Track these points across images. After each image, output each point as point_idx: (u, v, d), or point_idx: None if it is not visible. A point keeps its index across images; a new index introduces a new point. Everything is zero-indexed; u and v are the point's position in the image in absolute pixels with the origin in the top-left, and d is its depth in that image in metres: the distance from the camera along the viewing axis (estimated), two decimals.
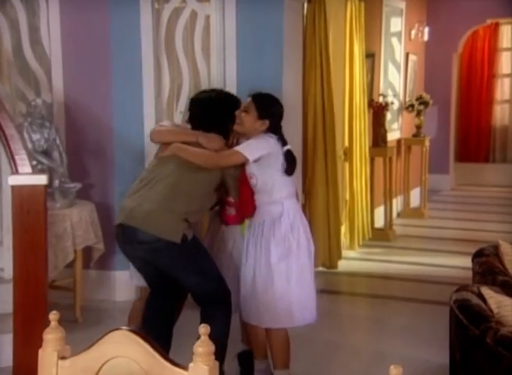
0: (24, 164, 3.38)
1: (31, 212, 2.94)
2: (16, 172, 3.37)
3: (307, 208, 6.00)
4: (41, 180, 2.96)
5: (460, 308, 2.96)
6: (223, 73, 5.36)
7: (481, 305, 2.94)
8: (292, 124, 5.59)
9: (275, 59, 5.34)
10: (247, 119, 3.59)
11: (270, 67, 5.34)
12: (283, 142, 3.62)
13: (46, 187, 3.03)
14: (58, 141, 4.81)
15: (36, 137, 4.72)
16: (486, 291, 3.02)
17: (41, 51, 5.52)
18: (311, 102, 5.94)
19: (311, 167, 6.01)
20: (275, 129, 3.64)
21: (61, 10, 5.25)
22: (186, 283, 3.69)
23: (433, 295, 5.51)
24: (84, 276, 5.01)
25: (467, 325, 2.86)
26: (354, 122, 6.82)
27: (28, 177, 3.04)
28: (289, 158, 3.62)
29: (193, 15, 5.42)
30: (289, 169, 3.61)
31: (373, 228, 7.58)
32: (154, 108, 5.24)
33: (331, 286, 5.95)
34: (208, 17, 5.40)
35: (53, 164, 4.74)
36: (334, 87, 6.63)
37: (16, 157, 3.44)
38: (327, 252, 6.12)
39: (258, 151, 3.50)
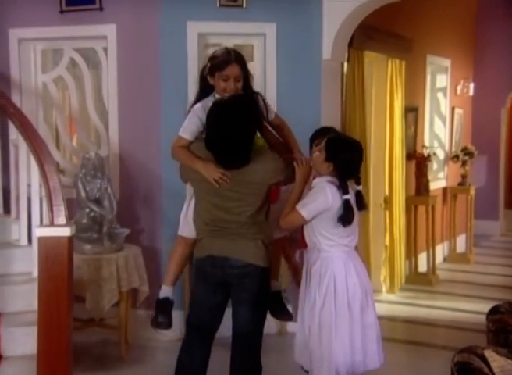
0: (60, 215, 3.36)
1: (55, 263, 2.90)
2: (51, 222, 3.36)
3: None
4: (66, 232, 2.91)
5: (459, 372, 2.67)
6: None
7: (482, 368, 2.65)
8: None
9: (313, 116, 5.26)
10: (317, 159, 3.36)
11: (308, 123, 5.23)
12: (344, 190, 3.28)
13: (71, 238, 2.97)
14: (109, 190, 4.81)
15: (89, 186, 4.73)
16: (490, 354, 2.73)
17: (102, 107, 5.60)
18: None
19: None
20: (341, 174, 3.33)
21: (118, 69, 5.30)
22: (242, 319, 3.34)
23: (468, 344, 5.14)
24: (132, 315, 4.96)
25: None
26: (394, 172, 6.65)
27: (53, 229, 3.00)
28: (347, 208, 3.25)
29: None
30: (343, 220, 3.26)
31: (416, 273, 7.36)
32: None
33: None
34: (252, 76, 5.36)
35: (103, 211, 4.73)
36: (375, 140, 6.57)
37: (54, 208, 3.43)
38: None
39: (317, 209, 3.26)
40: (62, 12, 5.39)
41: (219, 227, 3.26)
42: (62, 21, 5.41)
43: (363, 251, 6.26)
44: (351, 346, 3.29)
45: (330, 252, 3.33)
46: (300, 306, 3.47)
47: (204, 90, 3.44)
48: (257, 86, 5.25)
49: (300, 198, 3.31)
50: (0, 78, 5.58)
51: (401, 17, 6.62)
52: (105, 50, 5.38)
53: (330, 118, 5.42)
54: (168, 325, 3.58)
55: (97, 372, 4.60)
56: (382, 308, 6.24)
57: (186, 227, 3.51)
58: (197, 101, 3.44)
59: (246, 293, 3.30)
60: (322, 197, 3.26)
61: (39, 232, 2.94)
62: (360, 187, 3.39)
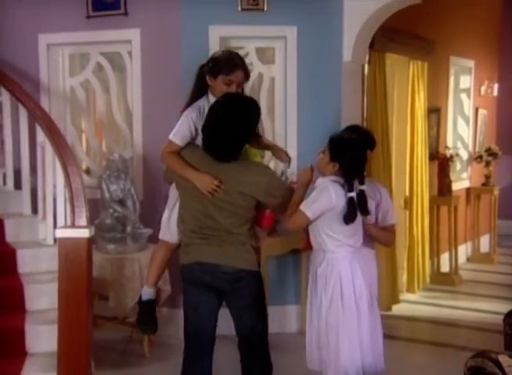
0: (81, 216, 3.38)
1: (75, 263, 2.91)
2: (72, 223, 3.37)
3: None
4: (85, 233, 2.92)
5: None
6: (285, 129, 5.29)
7: (496, 374, 2.58)
8: None
9: (334, 117, 5.22)
10: (321, 159, 3.31)
11: (328, 124, 5.21)
12: (349, 188, 3.21)
13: (90, 239, 2.97)
14: (132, 191, 4.84)
15: (113, 187, 4.76)
16: (504, 359, 2.64)
17: (127, 110, 5.63)
18: (372, 156, 5.78)
19: None
20: (346, 172, 3.26)
21: (142, 72, 5.32)
22: (246, 324, 3.26)
23: (490, 345, 5.02)
24: None
25: None
26: (415, 173, 6.57)
27: (73, 231, 3.01)
28: (351, 205, 3.19)
29: (260, 77, 5.38)
30: (347, 218, 3.20)
31: (439, 273, 7.27)
32: None
33: (387, 330, 5.63)
34: (272, 79, 5.36)
35: (126, 212, 4.76)
36: (397, 141, 6.50)
37: (76, 209, 3.45)
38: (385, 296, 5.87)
39: (321, 208, 3.19)
40: (88, 17, 5.43)
41: (207, 235, 3.16)
42: (88, 26, 5.45)
43: (386, 251, 6.20)
44: (361, 347, 3.25)
45: (336, 253, 3.27)
46: (308, 308, 3.43)
47: (201, 90, 3.31)
48: (278, 89, 5.28)
49: (302, 199, 3.27)
50: (30, 82, 5.64)
51: (423, 19, 6.54)
52: (130, 54, 5.40)
53: (351, 120, 5.35)
54: (155, 329, 3.57)
55: (120, 368, 4.63)
56: (403, 309, 6.20)
57: (168, 232, 3.42)
58: (191, 101, 3.32)
59: (244, 299, 3.21)
60: (326, 196, 3.21)
61: (59, 233, 2.96)
62: (364, 187, 3.27)
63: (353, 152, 3.27)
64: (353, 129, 3.60)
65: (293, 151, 5.14)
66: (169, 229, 3.39)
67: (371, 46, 5.57)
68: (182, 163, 3.16)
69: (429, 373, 4.76)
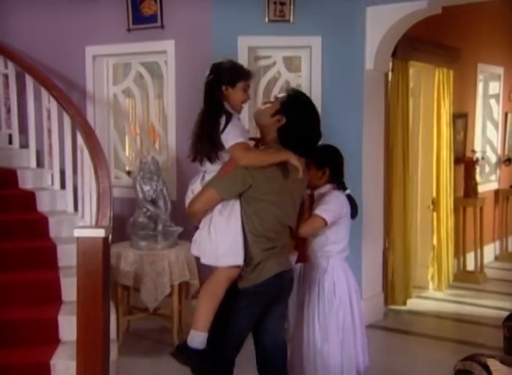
0: (105, 216, 3.36)
1: (92, 261, 2.88)
2: (96, 222, 3.36)
3: (390, 250, 5.75)
4: (100, 233, 2.89)
5: None
6: None
7: None
8: (373, 180, 5.33)
9: (356, 123, 5.13)
10: (309, 174, 3.05)
11: (351, 130, 5.12)
12: (344, 187, 3.25)
13: (106, 239, 2.94)
14: (164, 192, 4.82)
15: (146, 188, 4.75)
16: (492, 363, 2.47)
17: (164, 114, 5.63)
18: (394, 160, 5.69)
19: (393, 218, 5.75)
20: (337, 174, 3.22)
21: (176, 80, 5.30)
22: (282, 330, 2.97)
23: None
24: (185, 305, 4.94)
25: None
26: (441, 175, 6.38)
27: (89, 230, 2.99)
28: (352, 201, 3.23)
29: (287, 84, 5.29)
30: (354, 213, 3.23)
31: (464, 271, 7.05)
32: None
33: (408, 326, 5.49)
34: (298, 86, 5.25)
35: (158, 211, 4.74)
36: (423, 145, 6.37)
37: (101, 209, 3.44)
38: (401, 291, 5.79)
39: (337, 212, 3.11)
40: (129, 30, 5.44)
41: (276, 241, 2.78)
42: (129, 38, 5.47)
43: (410, 250, 6.06)
44: (360, 347, 3.15)
45: (337, 258, 3.21)
46: (306, 319, 3.19)
47: (217, 103, 2.77)
48: None
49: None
50: (77, 90, 5.71)
51: (447, 28, 6.32)
52: (166, 63, 5.39)
53: (372, 126, 5.26)
54: None
55: (152, 355, 4.62)
56: (429, 306, 6.02)
57: (235, 254, 2.67)
58: (213, 116, 2.72)
59: (283, 303, 2.95)
60: (339, 203, 3.15)
61: (77, 233, 2.94)
62: (349, 191, 3.24)
63: (337, 154, 3.25)
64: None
65: None
66: (237, 249, 2.67)
67: (395, 55, 5.43)
68: (265, 152, 2.74)
69: (442, 368, 4.56)
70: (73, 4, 5.67)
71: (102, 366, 2.93)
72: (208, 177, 2.68)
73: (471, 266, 7.12)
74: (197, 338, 2.65)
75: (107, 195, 3.56)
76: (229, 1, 5.01)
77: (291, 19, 5.02)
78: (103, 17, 5.57)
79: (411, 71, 6.05)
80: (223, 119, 2.67)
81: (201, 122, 2.72)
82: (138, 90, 5.71)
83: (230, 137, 2.64)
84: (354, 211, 3.21)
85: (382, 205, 5.51)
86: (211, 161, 2.66)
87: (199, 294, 2.72)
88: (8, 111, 5.62)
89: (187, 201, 2.80)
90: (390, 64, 5.48)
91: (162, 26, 5.30)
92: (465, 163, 7.01)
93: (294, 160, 2.65)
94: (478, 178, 7.20)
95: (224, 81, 2.79)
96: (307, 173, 2.91)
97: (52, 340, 3.82)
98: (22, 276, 4.24)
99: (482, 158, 7.39)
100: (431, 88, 6.28)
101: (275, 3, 4.99)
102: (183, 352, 2.70)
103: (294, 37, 5.04)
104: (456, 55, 6.50)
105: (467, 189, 7.00)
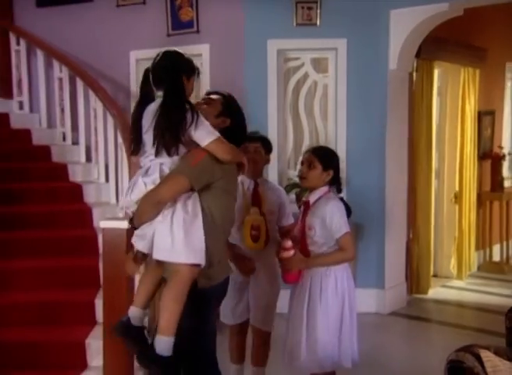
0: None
1: (115, 250, 2.90)
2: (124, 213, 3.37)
3: (414, 241, 5.65)
4: (123, 224, 2.89)
5: (449, 370, 2.33)
6: (335, 131, 5.11)
7: (473, 368, 2.28)
8: (396, 174, 5.22)
9: (380, 121, 5.04)
10: (313, 173, 2.94)
11: (375, 126, 5.01)
12: (340, 190, 3.06)
13: (129, 230, 2.92)
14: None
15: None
16: (485, 354, 2.35)
17: None
18: (418, 155, 5.57)
19: (417, 211, 5.64)
20: (337, 178, 3.01)
21: (210, 81, 5.29)
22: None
23: None
24: None
25: None
26: (465, 170, 6.20)
27: (113, 222, 2.99)
28: (345, 204, 3.01)
29: (315, 84, 5.22)
30: (349, 213, 2.99)
31: (490, 261, 6.85)
32: (277, 165, 5.05)
33: (430, 314, 5.37)
34: (326, 86, 5.18)
35: None
36: (448, 142, 6.19)
37: None
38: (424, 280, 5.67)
39: (346, 220, 2.93)
40: (168, 35, 5.48)
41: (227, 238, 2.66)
42: (169, 43, 5.43)
43: (434, 241, 5.94)
44: (355, 339, 3.01)
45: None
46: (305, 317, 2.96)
47: (180, 96, 2.38)
48: (330, 95, 5.10)
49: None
50: (122, 91, 5.78)
51: (473, 28, 6.11)
52: (201, 65, 5.39)
53: (396, 123, 5.14)
54: None
55: None
56: (452, 295, 5.87)
57: (194, 251, 2.30)
58: (182, 112, 2.33)
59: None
60: (342, 208, 2.94)
61: (102, 224, 2.97)
62: (342, 195, 3.09)
63: (337, 158, 3.09)
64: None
65: (342, 151, 4.99)
66: (200, 247, 2.33)
67: (419, 55, 5.28)
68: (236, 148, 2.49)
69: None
70: (119, 12, 5.74)
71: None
72: (166, 169, 2.33)
73: (497, 257, 6.91)
74: (166, 344, 2.28)
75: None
76: (259, 7, 4.97)
77: (318, 23, 4.95)
78: (145, 24, 5.61)
79: (438, 71, 5.90)
80: (189, 114, 2.31)
81: (166, 114, 2.30)
82: None
83: (205, 132, 2.34)
84: (349, 212, 3.01)
85: (406, 198, 5.39)
86: (170, 154, 2.32)
87: (164, 298, 2.30)
88: (62, 111, 5.73)
89: (137, 193, 2.33)
90: (414, 64, 5.33)
91: (198, 31, 5.31)
92: (492, 159, 6.82)
93: (245, 159, 2.53)
94: (504, 173, 6.97)
95: (183, 71, 2.43)
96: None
97: (89, 321, 3.87)
98: (66, 262, 4.32)
99: (509, 153, 7.14)
100: (456, 87, 6.10)
101: (302, 8, 4.93)
102: (147, 358, 2.35)
103: (321, 39, 4.98)
104: (482, 55, 6.28)
105: (494, 184, 6.82)
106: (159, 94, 2.37)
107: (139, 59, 5.70)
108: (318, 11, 4.92)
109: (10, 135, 5.68)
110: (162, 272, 2.43)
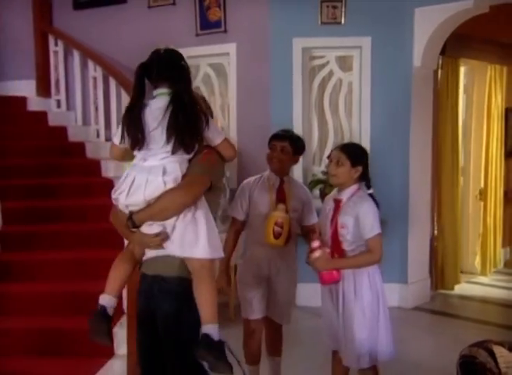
0: None
1: None
2: None
3: (439, 237, 5.57)
4: None
5: (462, 365, 2.27)
6: (359, 127, 5.05)
7: (486, 363, 2.22)
8: (420, 171, 5.15)
9: (404, 117, 4.95)
10: (341, 170, 2.77)
11: (399, 123, 4.95)
12: (368, 186, 2.86)
13: None
14: (224, 180, 4.81)
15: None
16: (498, 350, 2.27)
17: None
18: (443, 152, 5.47)
19: (442, 207, 5.54)
20: (366, 174, 2.84)
21: (237, 78, 5.29)
22: None
23: None
24: None
25: None
26: (490, 167, 6.08)
27: None
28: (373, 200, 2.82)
29: (340, 82, 5.17)
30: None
31: None
32: (302, 161, 4.99)
33: (453, 309, 5.26)
34: (350, 83, 5.13)
35: None
36: (474, 140, 6.06)
37: None
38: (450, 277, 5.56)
39: (378, 220, 2.77)
40: (197, 35, 5.49)
41: None
42: (198, 42, 5.51)
43: (459, 237, 5.83)
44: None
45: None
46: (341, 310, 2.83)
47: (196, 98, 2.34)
48: (355, 92, 5.03)
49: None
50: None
51: (500, 25, 5.93)
52: (229, 64, 5.40)
53: (420, 119, 5.05)
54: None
55: None
56: (477, 291, 5.76)
57: (219, 246, 2.30)
58: (201, 113, 2.28)
59: None
60: (374, 207, 2.78)
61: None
62: (372, 191, 2.85)
63: (366, 154, 2.91)
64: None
65: (366, 146, 4.92)
66: (218, 241, 2.32)
67: (444, 52, 5.18)
68: None
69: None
70: (150, 13, 5.78)
71: None
72: (184, 168, 2.23)
73: None
74: (216, 329, 2.21)
75: None
76: (284, 7, 4.94)
77: (342, 22, 4.90)
78: (175, 24, 5.63)
79: (464, 68, 5.78)
80: (202, 113, 2.25)
81: (183, 112, 2.20)
82: (206, 88, 5.75)
83: (216, 132, 2.32)
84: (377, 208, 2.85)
85: (430, 195, 5.31)
86: (190, 152, 2.24)
87: (201, 291, 2.20)
88: (96, 109, 5.81)
89: (153, 192, 2.17)
90: (440, 62, 5.24)
91: (225, 31, 5.31)
92: None
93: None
94: None
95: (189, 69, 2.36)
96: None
97: (116, 310, 3.90)
98: (96, 254, 4.36)
99: None
100: (483, 84, 5.97)
101: (327, 7, 4.88)
102: (213, 349, 2.20)
103: (345, 37, 4.93)
104: (510, 52, 6.13)
105: None
106: (161, 91, 2.25)
107: None
108: (343, 9, 4.87)
109: (48, 132, 5.79)
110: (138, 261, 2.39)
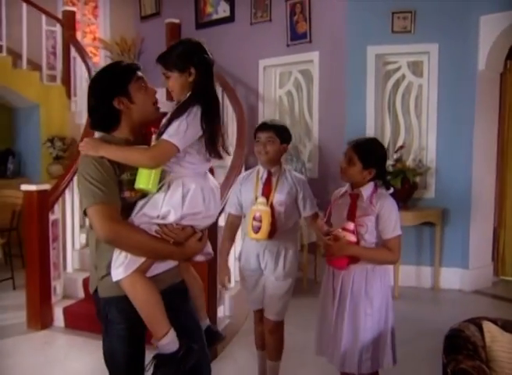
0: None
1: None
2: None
3: (501, 227, 5.28)
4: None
5: (447, 337, 2.10)
6: (427, 127, 4.93)
7: (471, 337, 2.05)
8: (484, 165, 4.93)
9: (468, 117, 4.75)
10: (352, 170, 2.34)
11: (464, 124, 4.77)
12: (388, 186, 2.40)
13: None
14: (303, 171, 4.95)
15: (287, 167, 4.90)
16: (487, 325, 2.12)
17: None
18: (509, 147, 5.15)
19: (506, 199, 5.23)
20: (382, 174, 2.39)
21: (319, 83, 5.37)
22: None
23: None
24: (315, 261, 5.06)
25: (443, 353, 2.02)
26: None
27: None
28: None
29: (410, 85, 5.08)
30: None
31: None
32: None
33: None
34: (420, 86, 5.02)
35: None
36: None
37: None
38: None
39: (399, 222, 2.35)
40: (288, 45, 5.67)
41: None
42: (288, 52, 5.69)
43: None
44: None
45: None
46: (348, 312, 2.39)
47: None
48: (423, 95, 4.93)
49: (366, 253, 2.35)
50: (252, 92, 6.08)
51: None
52: (313, 70, 5.49)
53: (484, 120, 4.83)
54: None
55: None
56: None
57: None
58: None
59: None
60: (395, 209, 2.36)
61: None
62: (392, 191, 2.40)
63: (382, 150, 2.40)
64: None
65: (433, 145, 4.85)
66: None
67: (510, 57, 4.89)
68: None
69: None
70: (252, 29, 6.04)
71: None
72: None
73: None
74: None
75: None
76: (360, 18, 4.96)
77: (412, 31, 4.81)
78: (270, 37, 5.85)
79: None
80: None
81: (213, 119, 1.84)
82: (295, 92, 5.89)
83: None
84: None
85: (494, 187, 5.05)
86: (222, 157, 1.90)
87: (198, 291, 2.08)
88: None
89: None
90: (508, 65, 4.95)
91: (310, 41, 5.43)
92: None
93: None
94: None
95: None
96: None
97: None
98: None
99: None
100: None
101: (398, 18, 4.82)
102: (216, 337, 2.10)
103: (415, 44, 4.85)
104: None
105: None
106: None
107: (266, 66, 5.97)
108: (413, 18, 4.78)
109: None
110: None
